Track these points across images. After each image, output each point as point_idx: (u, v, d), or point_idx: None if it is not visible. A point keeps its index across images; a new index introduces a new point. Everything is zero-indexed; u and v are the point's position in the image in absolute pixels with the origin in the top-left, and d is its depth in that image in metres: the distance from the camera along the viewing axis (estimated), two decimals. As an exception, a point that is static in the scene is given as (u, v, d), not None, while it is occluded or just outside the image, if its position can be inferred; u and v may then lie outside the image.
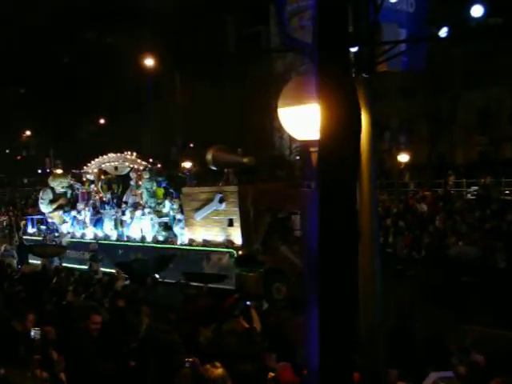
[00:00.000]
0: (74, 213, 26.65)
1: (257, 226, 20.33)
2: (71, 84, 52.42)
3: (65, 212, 27.04)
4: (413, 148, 45.85)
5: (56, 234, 26.81)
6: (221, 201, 20.94)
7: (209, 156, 21.62)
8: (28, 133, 67.00)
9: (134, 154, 25.29)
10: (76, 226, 26.46)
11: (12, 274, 18.09)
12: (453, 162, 50.04)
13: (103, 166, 26.33)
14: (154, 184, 24.51)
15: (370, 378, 6.97)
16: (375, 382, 7.12)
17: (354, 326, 5.42)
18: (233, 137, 41.42)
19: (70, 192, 27.79)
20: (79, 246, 25.46)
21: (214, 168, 22.04)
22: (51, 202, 27.51)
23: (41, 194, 28.31)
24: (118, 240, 24.44)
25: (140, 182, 24.61)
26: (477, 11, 6.43)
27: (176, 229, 22.76)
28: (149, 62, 42.24)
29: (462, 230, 23.34)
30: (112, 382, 8.33)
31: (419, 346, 9.96)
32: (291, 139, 43.95)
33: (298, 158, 46.54)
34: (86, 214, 26.15)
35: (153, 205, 23.93)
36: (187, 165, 38.17)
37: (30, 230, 29.08)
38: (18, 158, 70.58)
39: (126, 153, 25.34)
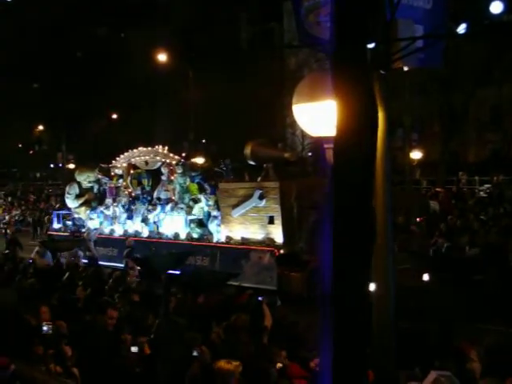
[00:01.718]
0: (101, 208, 26.16)
1: (301, 224, 19.47)
2: (84, 79, 52.47)
3: (92, 209, 26.49)
4: (425, 145, 45.71)
5: (83, 230, 26.15)
6: (261, 197, 20.05)
7: (247, 150, 20.58)
8: (40, 127, 67.12)
9: (166, 148, 24.59)
10: (104, 222, 25.90)
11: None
12: (465, 160, 49.86)
13: (133, 160, 25.61)
14: (188, 179, 23.64)
15: (383, 377, 6.95)
16: (388, 381, 7.10)
17: (368, 324, 5.38)
18: (244, 133, 41.44)
19: (96, 187, 27.14)
20: (108, 242, 24.92)
21: (252, 163, 21.06)
22: (77, 196, 26.99)
23: (67, 188, 27.72)
24: (149, 237, 23.72)
25: (172, 177, 23.90)
26: (496, 8, 6.38)
27: (211, 226, 21.97)
28: (162, 57, 42.26)
29: (475, 228, 23.23)
30: (125, 376, 8.36)
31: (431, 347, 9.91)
32: (303, 135, 43.92)
33: (310, 154, 46.42)
34: (115, 210, 25.57)
35: (186, 201, 23.18)
36: (199, 160, 38.08)
37: (56, 225, 28.38)
38: (31, 152, 70.72)
39: (157, 147, 24.73)
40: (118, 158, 26.17)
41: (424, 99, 43.80)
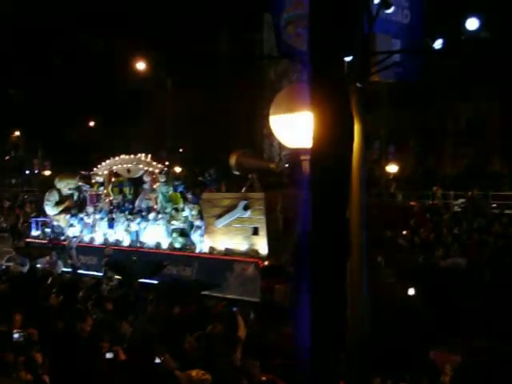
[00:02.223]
0: (82, 216, 25.62)
1: (286, 236, 18.86)
2: (61, 85, 52.25)
3: (72, 216, 25.94)
4: (401, 158, 46.06)
5: (62, 238, 25.60)
6: (245, 208, 19.67)
7: (232, 160, 20.27)
8: (17, 133, 66.71)
9: (149, 156, 24.23)
10: (84, 230, 25.35)
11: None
12: (441, 174, 50.26)
13: (114, 167, 25.16)
14: (171, 188, 23.36)
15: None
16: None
17: (343, 336, 5.41)
18: (222, 143, 41.49)
19: (77, 194, 26.58)
20: (87, 250, 24.36)
21: (236, 173, 20.93)
22: (57, 203, 26.37)
23: (46, 195, 27.02)
24: (130, 246, 23.18)
25: (155, 186, 23.56)
26: (472, 24, 6.45)
27: (194, 236, 21.57)
28: (141, 65, 42.22)
29: (449, 242, 23.39)
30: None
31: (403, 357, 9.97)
32: (281, 146, 44.03)
33: (286, 165, 46.58)
34: (95, 218, 25.09)
35: (169, 210, 22.79)
36: (177, 169, 37.97)
37: (34, 232, 27.69)
38: (6, 158, 70.20)
39: (139, 155, 24.34)
40: (99, 166, 25.73)
41: (400, 113, 44.13)
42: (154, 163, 23.90)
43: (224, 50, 58.14)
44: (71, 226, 25.77)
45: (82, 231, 25.30)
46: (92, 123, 58.47)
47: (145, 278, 18.38)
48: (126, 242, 23.50)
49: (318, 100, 4.88)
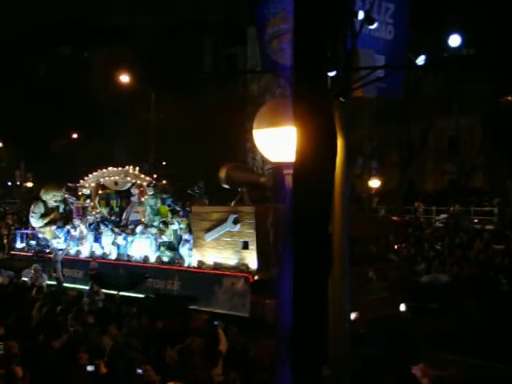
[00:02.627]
0: (68, 228, 24.85)
1: (277, 250, 17.95)
2: (44, 97, 52.10)
3: (58, 228, 25.25)
4: (384, 174, 46.29)
5: (47, 250, 24.90)
6: (235, 222, 19.21)
7: (222, 174, 19.87)
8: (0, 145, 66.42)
9: (137, 168, 23.62)
10: (70, 243, 24.63)
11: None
12: (423, 189, 50.54)
13: (102, 180, 24.57)
14: (159, 201, 22.75)
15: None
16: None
17: (325, 350, 5.41)
18: (205, 156, 41.48)
19: (62, 206, 25.86)
20: (73, 263, 23.62)
21: (226, 186, 20.61)
22: (42, 216, 25.68)
23: (32, 207, 26.42)
24: (117, 259, 22.51)
25: (143, 199, 22.94)
26: (454, 41, 6.51)
27: (183, 250, 21.02)
28: (124, 78, 42.21)
29: (430, 257, 23.52)
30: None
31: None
32: (264, 161, 44.11)
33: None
34: (82, 231, 24.37)
35: (157, 223, 22.19)
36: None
37: (19, 244, 26.89)
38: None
39: (127, 167, 23.75)
40: (86, 178, 25.25)
41: (384, 128, 44.34)
42: (142, 176, 23.49)
43: (208, 64, 58.34)
44: (56, 237, 25.31)
45: (68, 244, 24.74)
46: (75, 135, 58.28)
47: (127, 290, 18.27)
48: (113, 256, 22.95)
49: (300, 115, 4.90)
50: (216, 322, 11.77)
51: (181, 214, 21.85)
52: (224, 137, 43.80)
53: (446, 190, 49.15)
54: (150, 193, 22.70)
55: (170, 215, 22.29)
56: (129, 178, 23.62)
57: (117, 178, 24.02)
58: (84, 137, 55.82)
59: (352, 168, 42.35)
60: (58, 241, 25.14)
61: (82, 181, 25.29)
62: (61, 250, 24.46)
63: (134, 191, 23.40)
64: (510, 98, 47.84)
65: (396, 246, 25.39)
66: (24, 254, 25.88)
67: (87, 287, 20.70)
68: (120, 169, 24.03)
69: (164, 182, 23.88)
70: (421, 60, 6.92)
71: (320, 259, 4.84)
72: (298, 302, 4.83)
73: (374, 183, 44.93)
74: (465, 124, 48.27)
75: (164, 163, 52.19)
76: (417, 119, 41.28)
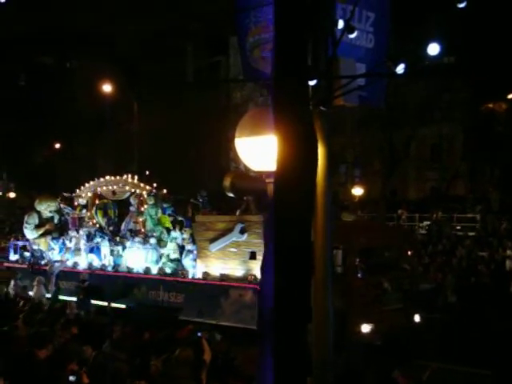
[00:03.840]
0: (64, 239, 24.38)
1: None
2: (26, 107, 51.89)
3: (53, 238, 24.77)
4: (367, 182, 46.45)
5: (42, 262, 24.43)
6: (242, 231, 18.85)
7: (226, 182, 18.74)
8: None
9: (136, 177, 23.25)
10: (66, 254, 24.03)
11: None
12: (406, 197, 50.74)
13: (99, 189, 24.00)
14: (159, 211, 22.15)
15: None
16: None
17: (307, 358, 5.40)
18: (188, 165, 41.47)
19: (57, 217, 25.38)
20: (70, 276, 23.08)
21: (231, 195, 20.01)
22: (37, 226, 25.20)
23: (26, 217, 25.80)
24: (116, 271, 21.94)
25: (142, 209, 22.37)
26: (433, 49, 6.53)
27: (186, 261, 20.43)
28: (107, 88, 42.12)
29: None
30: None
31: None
32: (247, 169, 44.08)
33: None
34: (79, 241, 23.71)
35: (157, 233, 21.67)
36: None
37: (12, 256, 26.26)
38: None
39: (126, 176, 23.22)
40: (82, 187, 24.66)
41: (366, 136, 44.53)
42: (142, 185, 22.88)
43: (190, 73, 58.34)
44: (52, 249, 24.80)
45: (64, 256, 24.20)
46: (58, 145, 58.05)
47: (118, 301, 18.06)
48: (112, 267, 22.32)
49: (281, 123, 4.91)
50: (200, 334, 11.74)
51: (183, 223, 21.20)
52: (207, 145, 43.82)
53: (429, 197, 49.38)
54: (151, 202, 22.08)
55: (170, 225, 21.77)
56: (127, 187, 23.13)
57: (115, 187, 23.51)
58: (66, 147, 55.64)
59: (335, 176, 42.49)
60: (52, 252, 24.61)
61: (78, 190, 24.80)
62: (57, 261, 23.91)
63: (133, 201, 22.90)
64: (490, 105, 48.29)
65: (409, 253, 25.12)
66: (19, 266, 25.28)
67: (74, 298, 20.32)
68: (118, 178, 23.42)
69: (165, 191, 22.91)
70: (400, 69, 6.95)
71: (301, 267, 4.84)
72: (280, 308, 4.83)
73: (357, 191, 45.06)
74: (447, 132, 48.55)
75: (147, 172, 52.11)
76: (399, 127, 41.49)
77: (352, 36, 7.34)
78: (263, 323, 5.17)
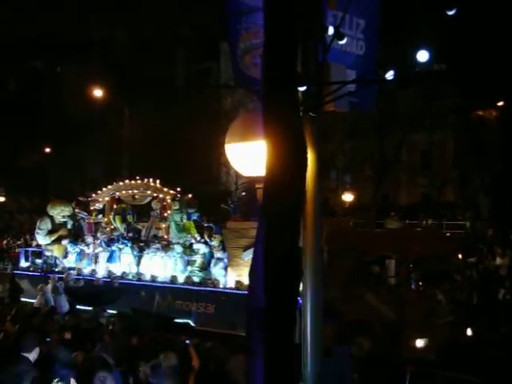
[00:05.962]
0: (81, 246, 23.23)
1: (333, 269, 16.76)
2: (17, 112, 51.75)
3: (70, 242, 23.57)
4: (357, 188, 46.50)
5: (56, 270, 23.07)
6: None
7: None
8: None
9: (158, 181, 22.04)
10: (83, 261, 22.89)
11: None
12: (396, 203, 50.79)
13: (117, 193, 23.03)
14: (185, 217, 21.06)
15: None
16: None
17: (295, 361, 5.41)
18: (179, 171, 41.39)
19: (71, 222, 24.29)
20: (88, 284, 21.80)
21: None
22: (50, 232, 23.98)
23: (38, 223, 24.60)
24: (139, 279, 20.77)
25: (165, 214, 21.36)
26: (423, 56, 6.58)
27: (215, 269, 19.36)
28: (97, 92, 42.03)
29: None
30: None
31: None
32: (237, 175, 44.10)
33: (244, 193, 46.57)
34: (96, 248, 22.56)
35: (182, 240, 20.59)
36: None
37: (23, 263, 24.84)
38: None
39: (146, 180, 22.19)
40: (99, 192, 23.67)
41: (357, 142, 44.62)
42: (166, 189, 21.87)
43: (181, 78, 58.34)
44: (67, 255, 23.65)
45: (81, 263, 23.05)
46: (48, 149, 57.87)
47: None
48: (133, 276, 21.16)
49: (271, 129, 4.92)
50: (188, 341, 11.75)
51: (214, 230, 20.09)
52: (198, 151, 43.79)
53: (419, 203, 49.46)
54: (175, 207, 21.11)
55: (195, 231, 20.85)
56: (149, 192, 22.24)
57: (135, 191, 22.60)
58: (57, 151, 55.46)
59: (326, 182, 42.51)
60: (68, 259, 23.45)
61: (94, 194, 23.96)
62: (71, 268, 22.78)
63: (155, 205, 22.05)
64: (480, 112, 48.49)
65: (472, 259, 24.44)
66: (29, 273, 23.91)
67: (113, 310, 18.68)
68: (139, 182, 22.46)
69: (190, 195, 22.12)
70: (390, 75, 6.98)
71: (290, 271, 4.85)
72: (270, 309, 4.85)
73: (348, 197, 45.12)
74: (437, 138, 48.67)
75: (138, 178, 51.98)
76: (390, 133, 41.55)
77: (342, 42, 7.38)
78: (253, 323, 5.17)
